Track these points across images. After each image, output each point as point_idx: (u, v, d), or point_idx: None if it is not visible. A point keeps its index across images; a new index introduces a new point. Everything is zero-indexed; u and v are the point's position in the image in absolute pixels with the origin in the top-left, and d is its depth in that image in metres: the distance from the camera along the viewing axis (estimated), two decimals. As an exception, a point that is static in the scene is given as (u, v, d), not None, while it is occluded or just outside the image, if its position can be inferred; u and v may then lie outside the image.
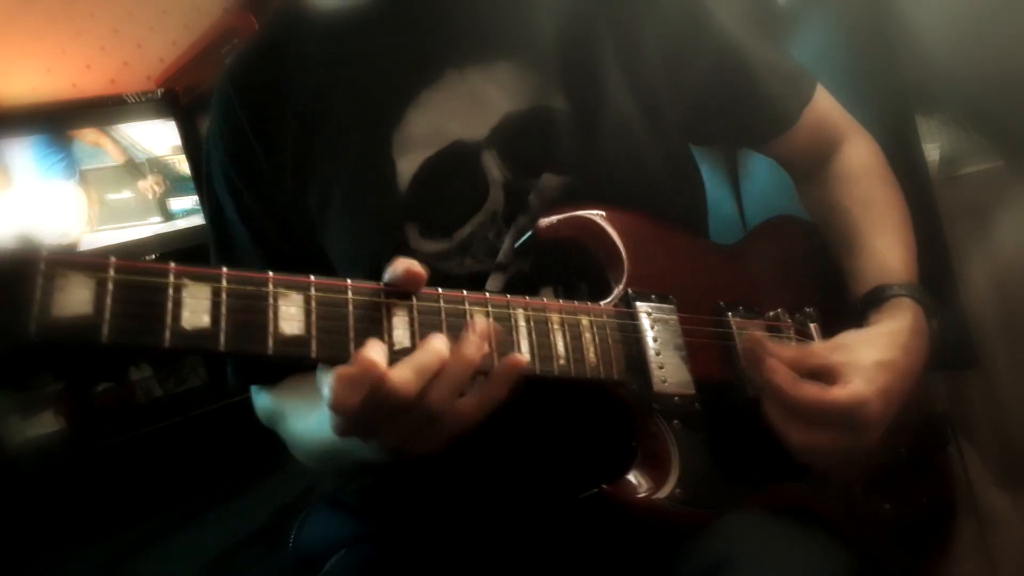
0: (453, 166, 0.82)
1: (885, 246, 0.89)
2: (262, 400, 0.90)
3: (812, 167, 0.99)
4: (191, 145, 2.30)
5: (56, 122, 2.15)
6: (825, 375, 0.75)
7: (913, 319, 0.83)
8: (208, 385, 2.38)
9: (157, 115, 2.29)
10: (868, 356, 0.77)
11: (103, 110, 2.23)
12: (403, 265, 0.60)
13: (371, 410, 0.57)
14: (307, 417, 0.79)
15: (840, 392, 0.73)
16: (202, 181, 0.94)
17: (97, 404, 2.22)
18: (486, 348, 0.62)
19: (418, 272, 0.60)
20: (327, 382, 0.56)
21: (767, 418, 0.75)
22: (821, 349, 0.78)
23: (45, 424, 2.14)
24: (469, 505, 0.85)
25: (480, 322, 0.62)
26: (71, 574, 1.82)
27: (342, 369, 0.56)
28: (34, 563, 1.81)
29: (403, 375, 0.57)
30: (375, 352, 0.56)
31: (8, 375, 2.07)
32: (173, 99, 2.32)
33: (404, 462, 0.66)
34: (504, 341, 0.65)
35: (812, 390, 0.73)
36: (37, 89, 2.29)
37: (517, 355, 0.64)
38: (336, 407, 0.56)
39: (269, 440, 0.92)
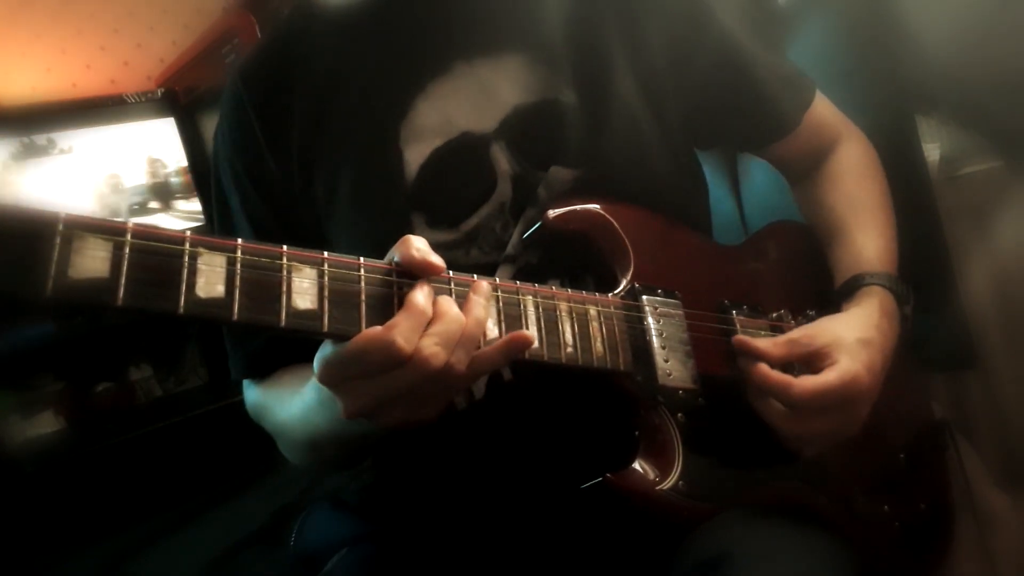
0: (461, 157, 0.82)
1: (863, 239, 0.92)
2: (251, 394, 0.90)
3: (808, 169, 1.00)
4: (191, 145, 2.30)
5: (56, 122, 2.15)
6: (812, 359, 0.78)
7: (880, 302, 0.86)
8: (208, 385, 2.38)
9: (157, 115, 2.29)
10: (849, 335, 0.80)
11: (103, 110, 2.23)
12: (420, 254, 0.60)
13: (400, 383, 0.58)
14: (291, 404, 0.79)
15: (831, 374, 0.76)
16: (204, 181, 0.95)
17: (97, 404, 2.22)
18: (492, 311, 0.63)
19: (436, 266, 0.61)
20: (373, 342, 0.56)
21: (764, 418, 0.77)
22: (804, 337, 0.80)
23: (45, 424, 2.14)
24: (470, 498, 0.85)
25: (482, 284, 0.63)
26: (71, 574, 1.82)
27: (397, 318, 0.57)
28: (34, 563, 1.81)
29: (431, 348, 0.58)
30: (422, 295, 0.59)
31: (8, 375, 2.07)
32: (173, 99, 2.32)
33: (400, 449, 0.65)
34: (511, 314, 0.66)
35: (806, 384, 0.75)
36: (37, 89, 2.29)
37: (525, 332, 0.64)
38: (396, 355, 0.56)
39: (269, 440, 0.92)
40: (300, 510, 1.02)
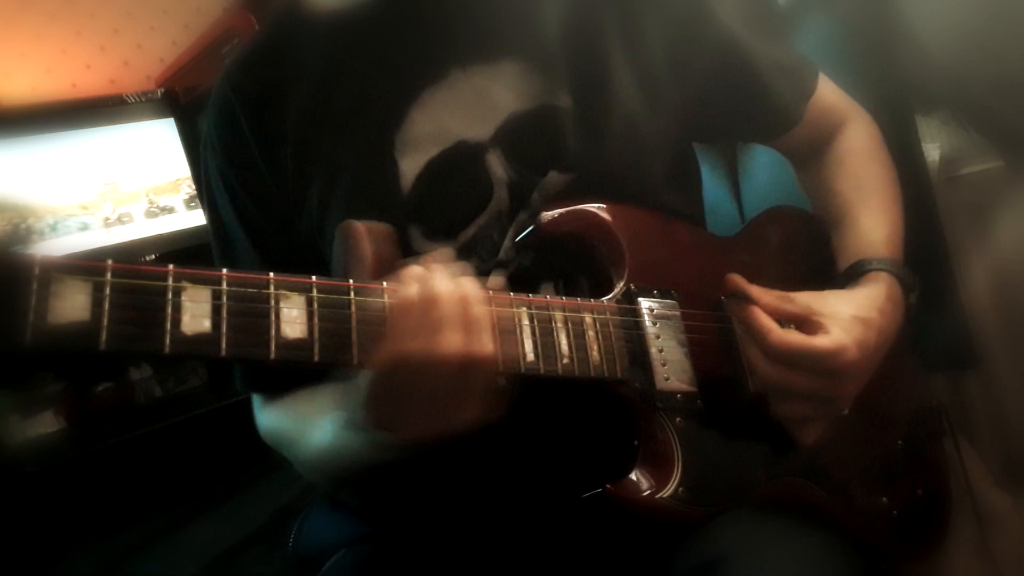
0: (457, 166, 0.81)
1: (869, 223, 0.91)
2: (265, 419, 0.89)
3: (813, 153, 1.00)
4: (190, 145, 2.30)
5: (56, 122, 2.15)
6: (804, 325, 0.78)
7: (887, 288, 0.85)
8: (208, 385, 2.38)
9: (157, 115, 2.29)
10: (846, 310, 0.79)
11: (103, 110, 2.23)
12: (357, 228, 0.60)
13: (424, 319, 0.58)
14: (317, 434, 0.78)
15: (821, 339, 0.76)
16: (201, 187, 0.93)
17: (97, 404, 2.22)
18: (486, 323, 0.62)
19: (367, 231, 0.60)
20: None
21: (748, 361, 0.77)
22: (801, 298, 0.80)
23: (45, 424, 2.13)
24: (470, 505, 0.85)
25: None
26: (71, 574, 1.82)
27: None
28: (34, 563, 1.81)
29: (443, 280, 0.59)
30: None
31: (8, 375, 2.07)
32: (173, 99, 2.32)
33: (411, 459, 0.66)
34: (505, 328, 0.66)
35: (795, 336, 0.75)
36: (37, 89, 2.29)
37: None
38: (399, 305, 0.57)
39: (268, 440, 0.92)
40: (300, 510, 1.02)
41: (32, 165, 2.11)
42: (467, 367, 0.59)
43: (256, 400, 0.90)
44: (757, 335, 0.76)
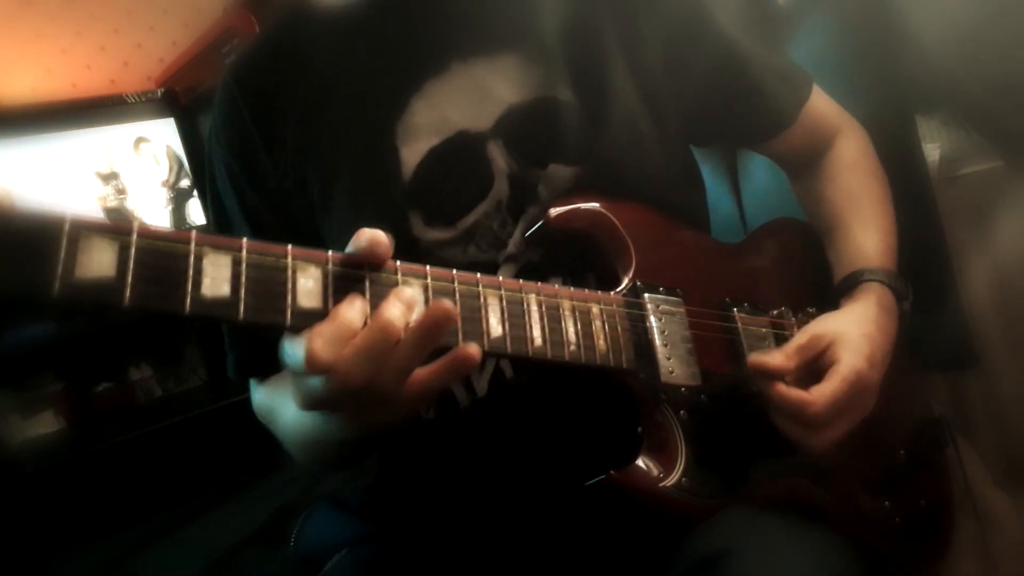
0: (458, 155, 0.82)
1: (862, 235, 0.92)
2: (257, 396, 0.90)
3: (806, 163, 1.01)
4: (191, 145, 2.30)
5: (56, 122, 2.16)
6: (818, 360, 0.78)
7: (878, 298, 0.86)
8: (208, 385, 2.39)
9: (157, 115, 2.29)
10: (851, 330, 0.80)
11: (103, 110, 2.24)
12: (366, 237, 0.58)
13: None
14: (291, 406, 0.79)
15: (836, 377, 0.76)
16: (204, 180, 0.94)
17: (97, 404, 2.22)
18: (411, 317, 0.57)
19: (380, 242, 0.58)
20: (299, 344, 0.54)
21: (787, 435, 0.77)
22: (811, 340, 0.79)
23: (45, 424, 2.14)
24: (472, 498, 0.85)
25: (405, 291, 0.59)
26: (71, 574, 1.82)
27: (319, 327, 0.54)
28: (34, 563, 1.81)
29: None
30: (353, 310, 0.55)
31: (8, 375, 2.08)
32: (173, 99, 2.33)
33: (402, 448, 0.64)
34: (514, 312, 0.65)
35: (820, 399, 0.75)
36: (37, 89, 2.29)
37: (467, 347, 0.59)
38: (310, 365, 0.54)
39: (269, 440, 0.92)
40: (300, 510, 1.02)
41: (32, 165, 2.11)
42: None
43: (252, 381, 0.91)
44: (799, 414, 0.75)
